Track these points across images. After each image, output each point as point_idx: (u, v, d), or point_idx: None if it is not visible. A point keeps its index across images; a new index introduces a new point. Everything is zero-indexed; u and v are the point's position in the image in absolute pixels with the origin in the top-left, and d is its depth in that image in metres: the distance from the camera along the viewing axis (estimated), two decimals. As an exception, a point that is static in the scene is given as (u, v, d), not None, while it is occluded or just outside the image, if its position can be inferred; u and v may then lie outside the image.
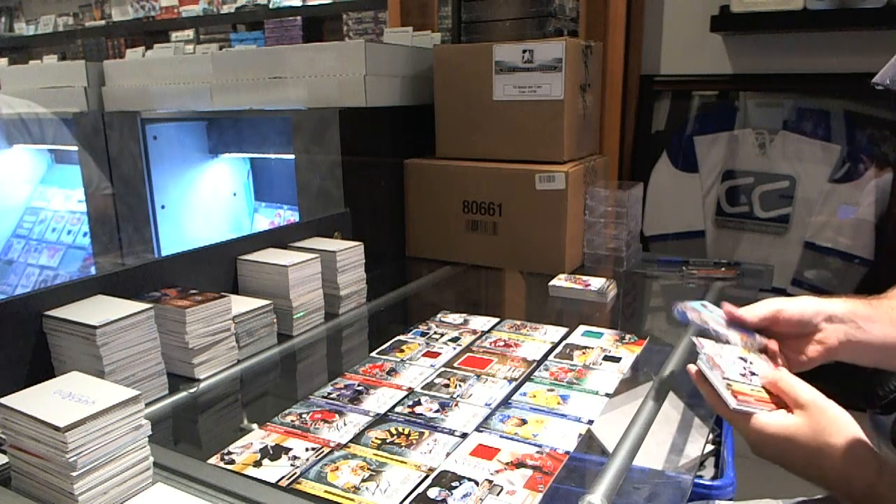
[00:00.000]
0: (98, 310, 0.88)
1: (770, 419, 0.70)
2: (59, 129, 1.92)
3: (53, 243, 2.27)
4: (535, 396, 0.93)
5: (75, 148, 1.84)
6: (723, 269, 1.51)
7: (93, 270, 2.06)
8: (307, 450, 0.80)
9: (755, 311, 0.85)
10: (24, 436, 0.66)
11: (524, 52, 1.48)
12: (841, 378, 0.95)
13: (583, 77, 1.57)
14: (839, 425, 0.67)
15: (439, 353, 1.08)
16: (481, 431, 0.84)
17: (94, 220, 1.85)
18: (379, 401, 0.92)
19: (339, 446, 0.81)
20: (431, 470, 0.75)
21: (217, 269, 1.16)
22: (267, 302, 1.10)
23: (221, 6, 3.27)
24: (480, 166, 1.56)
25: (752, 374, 0.77)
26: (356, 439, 0.82)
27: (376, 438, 0.82)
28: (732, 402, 0.71)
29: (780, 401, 0.72)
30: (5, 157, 2.27)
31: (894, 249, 1.69)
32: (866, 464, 0.66)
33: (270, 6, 3.10)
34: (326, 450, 0.80)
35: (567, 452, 0.79)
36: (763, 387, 0.75)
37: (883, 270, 1.71)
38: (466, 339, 1.14)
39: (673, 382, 0.94)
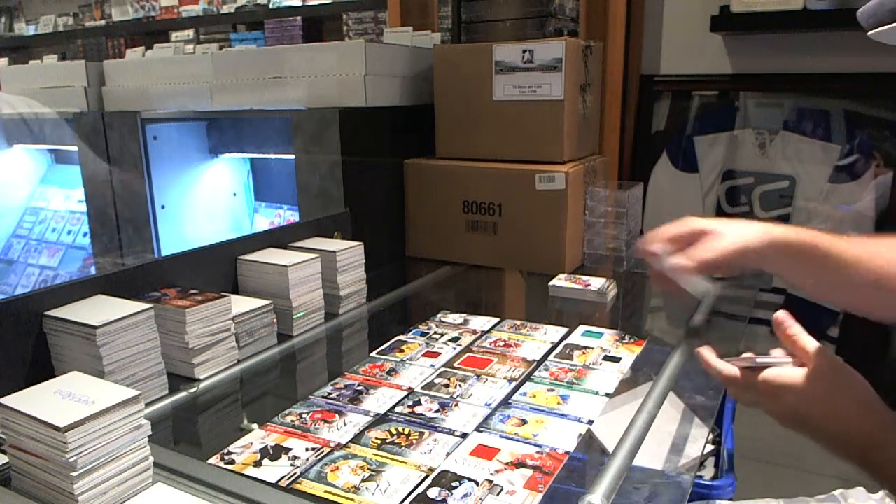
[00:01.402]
0: (98, 310, 0.88)
1: (785, 370, 0.71)
2: (59, 128, 1.92)
3: (53, 243, 2.27)
4: (535, 396, 0.93)
5: (75, 148, 1.84)
6: (723, 269, 1.50)
7: (93, 270, 2.06)
8: (307, 450, 0.80)
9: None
10: (24, 436, 0.66)
11: (524, 52, 1.48)
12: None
13: (583, 77, 1.57)
14: (851, 374, 0.70)
15: (439, 353, 1.08)
16: (481, 431, 0.84)
17: (94, 220, 1.85)
18: (379, 401, 0.92)
19: (339, 446, 0.81)
20: (431, 470, 0.75)
21: (217, 269, 1.16)
22: (267, 302, 1.10)
23: (221, 6, 3.27)
24: (480, 166, 1.56)
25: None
26: (356, 439, 0.82)
27: (376, 438, 0.82)
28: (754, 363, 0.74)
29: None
30: (5, 157, 2.27)
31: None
32: (881, 411, 0.68)
33: (270, 6, 3.09)
34: (326, 450, 0.80)
35: (567, 452, 0.79)
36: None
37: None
38: (466, 339, 1.14)
39: (673, 382, 0.94)
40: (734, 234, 0.84)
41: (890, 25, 0.64)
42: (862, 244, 0.84)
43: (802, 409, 0.70)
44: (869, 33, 0.66)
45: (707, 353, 0.80)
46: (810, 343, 0.71)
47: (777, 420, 0.73)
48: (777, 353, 0.76)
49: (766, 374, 0.72)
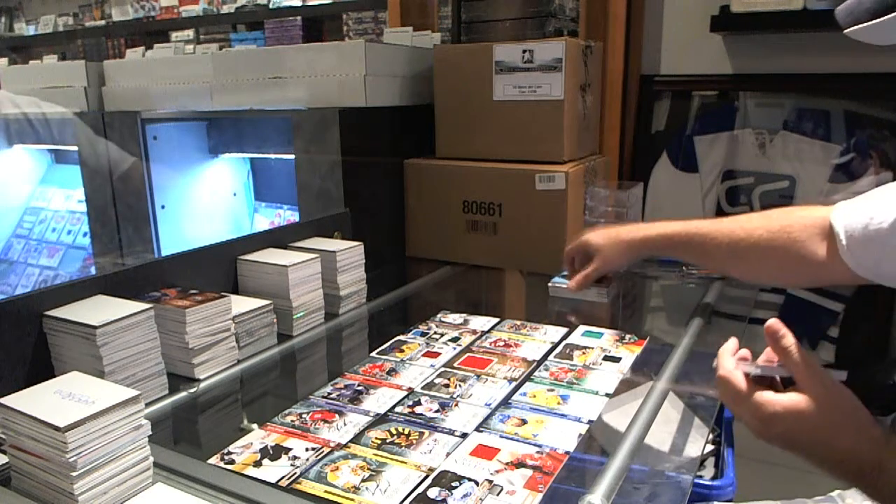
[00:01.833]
0: (98, 310, 0.88)
1: (777, 396, 0.68)
2: (67, 126, 1.91)
3: (53, 243, 2.27)
4: (535, 396, 0.93)
5: (75, 148, 1.84)
6: (723, 269, 1.50)
7: (93, 270, 2.05)
8: (307, 450, 0.80)
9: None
10: (24, 436, 0.66)
11: (524, 52, 1.48)
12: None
13: (583, 77, 1.57)
14: (842, 392, 0.67)
15: (439, 353, 1.08)
16: (481, 431, 0.84)
17: (94, 220, 1.85)
18: (379, 401, 0.92)
19: (339, 446, 0.81)
20: (431, 470, 0.75)
21: (217, 269, 1.16)
22: (267, 302, 1.10)
23: (221, 6, 3.27)
24: (480, 166, 1.56)
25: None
26: (356, 439, 0.82)
27: (376, 438, 0.82)
28: (753, 370, 0.70)
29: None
30: (5, 157, 2.27)
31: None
32: (874, 436, 0.66)
33: (270, 6, 3.09)
34: (326, 450, 0.80)
35: (567, 452, 0.79)
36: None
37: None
38: (466, 339, 1.14)
39: (673, 382, 0.94)
40: (600, 255, 1.21)
41: (866, 24, 0.64)
42: (720, 223, 1.04)
43: (788, 433, 0.68)
44: (845, 31, 0.66)
45: (729, 345, 0.76)
46: (803, 359, 0.68)
47: (765, 441, 0.70)
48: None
49: (759, 398, 0.68)
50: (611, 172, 1.88)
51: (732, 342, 0.77)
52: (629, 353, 1.06)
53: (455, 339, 1.14)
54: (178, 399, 0.94)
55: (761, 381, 0.72)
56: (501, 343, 1.12)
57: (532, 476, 0.74)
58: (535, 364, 1.03)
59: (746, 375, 0.71)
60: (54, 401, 0.67)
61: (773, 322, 0.69)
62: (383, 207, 1.62)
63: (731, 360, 0.74)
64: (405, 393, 0.95)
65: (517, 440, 0.81)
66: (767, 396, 0.68)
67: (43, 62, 2.86)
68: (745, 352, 0.75)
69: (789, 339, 0.68)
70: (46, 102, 1.97)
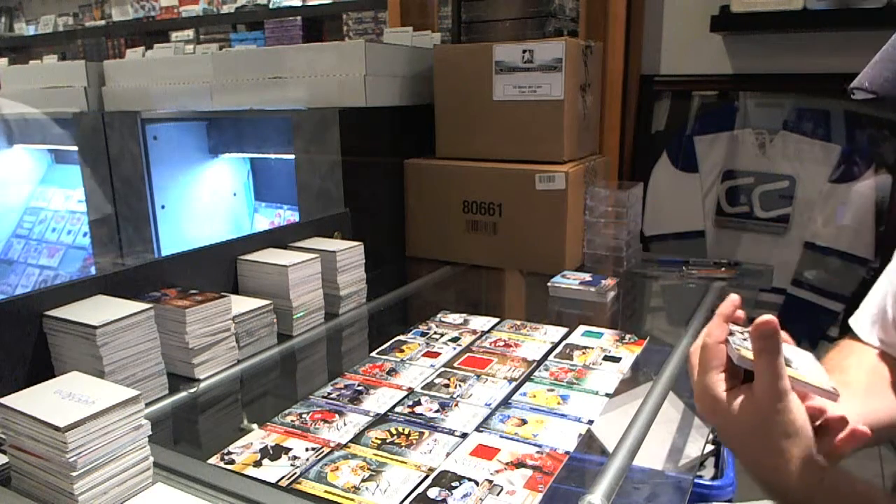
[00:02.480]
0: (98, 310, 0.88)
1: (740, 403, 0.61)
2: (60, 130, 1.92)
3: (53, 243, 2.27)
4: (535, 396, 0.93)
5: (75, 148, 1.85)
6: (723, 269, 1.51)
7: (93, 270, 2.06)
8: (307, 450, 0.80)
9: None
10: (24, 436, 0.66)
11: (524, 52, 1.48)
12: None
13: (583, 77, 1.57)
14: (789, 422, 0.60)
15: (439, 353, 1.08)
16: (481, 431, 0.84)
17: (94, 220, 1.85)
18: (379, 401, 0.92)
19: (339, 446, 0.81)
20: (431, 470, 0.75)
21: (217, 269, 1.16)
22: (267, 302, 1.10)
23: (221, 6, 3.27)
24: (480, 166, 1.56)
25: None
26: (356, 439, 0.82)
27: (376, 438, 0.82)
28: (732, 354, 0.63)
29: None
30: (5, 157, 2.27)
31: (894, 249, 1.69)
32: (811, 469, 0.59)
33: (270, 6, 3.10)
34: (326, 450, 0.80)
35: (567, 452, 0.79)
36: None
37: (882, 270, 1.71)
38: (466, 339, 1.14)
39: (673, 382, 0.94)
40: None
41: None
42: None
43: (725, 433, 0.63)
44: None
45: (726, 308, 0.67)
46: (775, 371, 0.59)
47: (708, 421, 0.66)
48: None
49: (726, 395, 0.62)
50: (611, 172, 1.88)
51: (731, 303, 0.68)
52: (629, 353, 1.06)
53: (455, 339, 1.14)
54: (178, 399, 0.94)
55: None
56: (501, 343, 1.12)
57: (532, 476, 0.74)
58: (535, 364, 1.03)
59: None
60: (54, 401, 0.67)
61: (764, 320, 0.60)
62: (383, 207, 1.62)
63: (722, 333, 0.66)
64: (405, 393, 0.95)
65: (517, 440, 0.81)
66: (718, 389, 0.63)
67: (43, 62, 2.87)
68: (740, 314, 0.69)
69: (773, 345, 0.60)
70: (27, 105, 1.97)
